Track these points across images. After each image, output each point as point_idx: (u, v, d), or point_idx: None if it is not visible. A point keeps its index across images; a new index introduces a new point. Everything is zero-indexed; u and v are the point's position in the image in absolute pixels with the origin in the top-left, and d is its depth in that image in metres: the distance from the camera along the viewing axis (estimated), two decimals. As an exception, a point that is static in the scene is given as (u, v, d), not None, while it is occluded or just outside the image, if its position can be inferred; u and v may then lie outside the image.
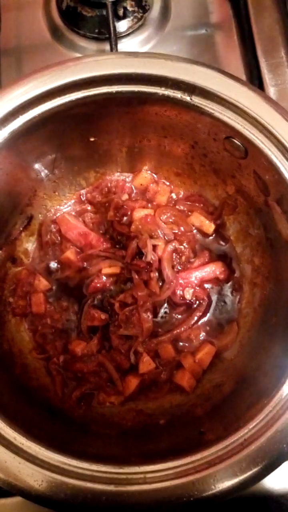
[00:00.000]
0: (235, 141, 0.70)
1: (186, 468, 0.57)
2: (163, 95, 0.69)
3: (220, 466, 0.57)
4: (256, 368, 0.73)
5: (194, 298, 0.85)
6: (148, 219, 0.87)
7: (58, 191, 0.90)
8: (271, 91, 0.99)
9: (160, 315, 0.86)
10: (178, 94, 0.69)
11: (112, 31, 0.93)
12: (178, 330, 0.84)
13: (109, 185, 0.91)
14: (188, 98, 0.68)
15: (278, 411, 0.59)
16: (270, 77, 1.00)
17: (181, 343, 0.85)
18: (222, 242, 0.90)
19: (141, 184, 0.91)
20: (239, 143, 0.70)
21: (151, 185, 0.91)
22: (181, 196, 0.92)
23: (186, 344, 0.84)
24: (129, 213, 0.89)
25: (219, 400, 0.75)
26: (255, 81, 1.01)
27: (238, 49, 1.06)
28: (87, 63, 0.69)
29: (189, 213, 0.90)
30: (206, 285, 0.87)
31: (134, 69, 0.68)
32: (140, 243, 0.85)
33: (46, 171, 0.85)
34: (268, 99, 0.66)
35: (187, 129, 0.76)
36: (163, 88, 0.69)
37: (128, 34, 1.05)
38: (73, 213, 0.91)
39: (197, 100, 0.68)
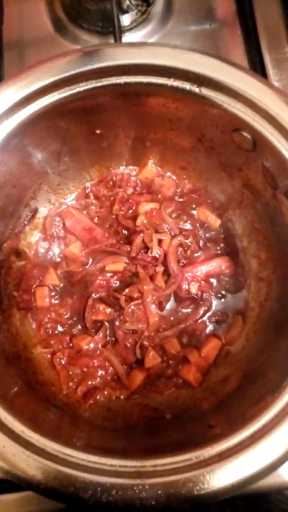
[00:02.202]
0: (243, 133, 0.70)
1: (197, 461, 0.57)
2: (172, 86, 0.68)
3: (231, 460, 0.56)
4: (263, 362, 0.73)
5: (199, 292, 0.85)
6: (154, 213, 0.86)
7: (63, 185, 0.90)
8: (276, 86, 0.98)
9: (166, 309, 0.86)
10: (186, 85, 0.68)
11: (116, 24, 0.92)
12: (184, 325, 0.84)
13: (114, 178, 0.91)
14: (197, 89, 0.68)
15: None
16: (274, 72, 1.00)
17: (186, 338, 0.84)
18: (227, 237, 0.89)
19: (147, 178, 0.91)
20: (248, 136, 0.69)
21: (157, 178, 0.91)
22: (186, 190, 0.91)
23: (192, 338, 0.84)
24: (134, 207, 0.88)
25: (226, 394, 0.75)
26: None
27: (242, 44, 1.06)
28: (95, 54, 0.68)
29: (195, 207, 0.89)
30: (212, 280, 0.87)
31: (143, 59, 0.67)
32: (146, 237, 0.85)
33: (51, 164, 0.84)
34: (278, 91, 0.66)
35: (195, 121, 0.75)
36: (171, 79, 0.68)
37: (132, 28, 1.05)
38: (78, 206, 0.91)
39: (205, 92, 0.68)
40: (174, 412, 0.76)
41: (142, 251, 0.86)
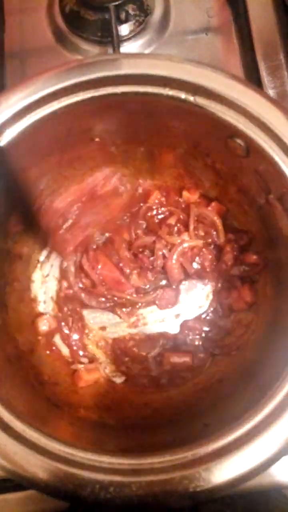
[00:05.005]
0: (237, 140, 0.71)
1: (193, 459, 0.58)
2: (167, 95, 0.70)
3: (226, 457, 0.57)
4: (259, 361, 0.74)
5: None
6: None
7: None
8: (270, 93, 1.00)
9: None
10: (181, 95, 0.70)
11: (114, 34, 0.94)
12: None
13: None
14: (191, 98, 0.70)
15: (282, 404, 0.60)
16: (269, 79, 1.02)
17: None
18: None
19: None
20: (242, 143, 0.71)
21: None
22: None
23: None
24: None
25: (222, 394, 0.76)
26: (254, 83, 1.02)
27: (237, 53, 1.08)
28: (93, 64, 0.71)
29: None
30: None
31: (140, 70, 0.70)
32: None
33: (51, 172, 0.86)
34: (270, 98, 0.68)
35: (190, 128, 0.77)
36: (167, 89, 0.70)
37: (130, 38, 1.07)
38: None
39: (200, 100, 0.70)
40: (172, 411, 0.78)
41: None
